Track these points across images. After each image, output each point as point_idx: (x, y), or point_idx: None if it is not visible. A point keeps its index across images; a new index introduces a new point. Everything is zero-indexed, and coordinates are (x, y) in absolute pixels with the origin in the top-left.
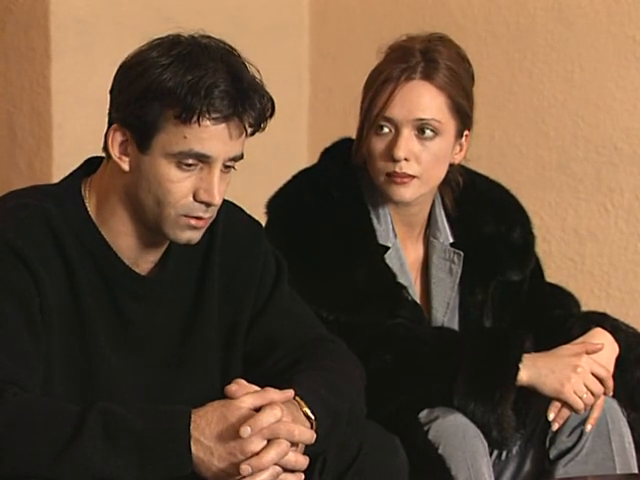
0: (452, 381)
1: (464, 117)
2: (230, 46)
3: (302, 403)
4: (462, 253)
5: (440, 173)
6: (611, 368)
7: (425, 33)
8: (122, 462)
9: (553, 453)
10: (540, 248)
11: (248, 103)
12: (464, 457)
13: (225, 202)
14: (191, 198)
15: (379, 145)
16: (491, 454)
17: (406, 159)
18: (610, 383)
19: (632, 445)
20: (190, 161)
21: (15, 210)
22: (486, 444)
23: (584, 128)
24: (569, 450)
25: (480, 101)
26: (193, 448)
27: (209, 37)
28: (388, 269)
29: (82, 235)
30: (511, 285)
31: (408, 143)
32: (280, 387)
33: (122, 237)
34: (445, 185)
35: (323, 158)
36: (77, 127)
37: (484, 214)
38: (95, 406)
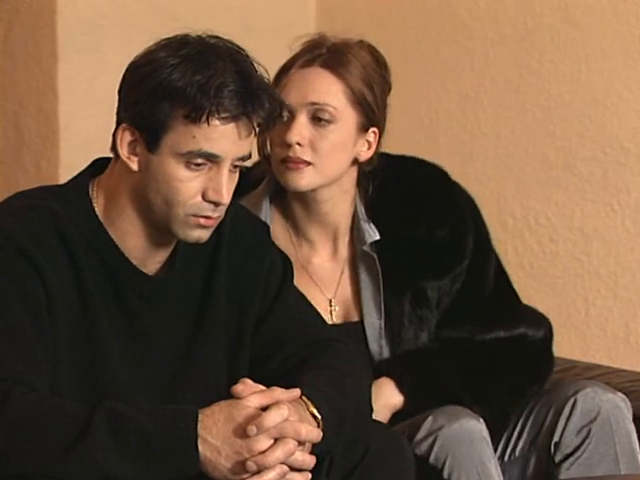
0: None
1: (367, 111)
2: (238, 46)
3: (309, 402)
4: (375, 255)
5: (339, 165)
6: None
7: (346, 37)
8: (129, 461)
9: (558, 457)
10: (547, 248)
11: (257, 103)
12: (473, 464)
13: (232, 203)
14: (200, 198)
15: (276, 132)
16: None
17: (300, 144)
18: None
19: (637, 444)
20: (199, 161)
21: (22, 211)
22: (491, 445)
23: (591, 128)
24: (573, 452)
25: (487, 101)
26: (200, 447)
27: (217, 37)
28: None
29: (89, 235)
30: (424, 289)
31: (302, 128)
32: (287, 387)
33: (130, 237)
34: (361, 185)
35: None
36: (84, 128)
37: (404, 213)
38: (102, 406)
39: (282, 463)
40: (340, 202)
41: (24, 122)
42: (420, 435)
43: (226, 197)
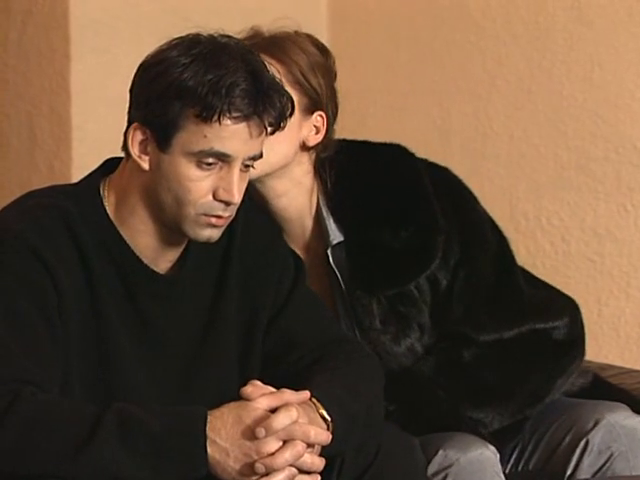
0: None
1: (311, 95)
2: None
3: (318, 404)
4: (343, 257)
5: (284, 150)
6: None
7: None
8: (138, 463)
9: None
10: (559, 248)
11: (268, 102)
12: None
13: (244, 202)
14: (211, 197)
15: None
16: (507, 463)
17: None
18: None
19: None
20: (210, 160)
21: (34, 210)
22: (502, 475)
23: (603, 128)
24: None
25: (499, 101)
26: (209, 449)
27: (229, 36)
28: None
29: (101, 234)
30: (399, 295)
31: None
32: (297, 388)
33: (141, 236)
34: (319, 175)
35: None
36: (96, 128)
37: (366, 212)
38: (111, 406)
39: (291, 465)
40: (296, 196)
41: (37, 122)
42: (431, 470)
43: (237, 196)
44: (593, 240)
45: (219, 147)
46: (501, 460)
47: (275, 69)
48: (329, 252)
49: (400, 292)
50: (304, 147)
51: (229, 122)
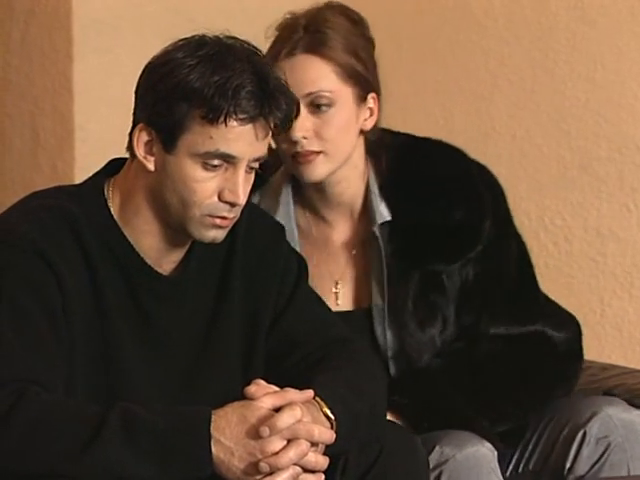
0: None
1: (362, 82)
2: (255, 47)
3: (322, 403)
4: (380, 236)
5: (348, 144)
6: None
7: (315, 5)
8: (142, 462)
9: (570, 479)
10: (562, 248)
11: (274, 104)
12: None
13: (247, 203)
14: (216, 198)
15: None
16: (508, 465)
17: (305, 137)
18: None
19: None
20: (216, 162)
21: (38, 211)
22: (499, 473)
23: (606, 128)
24: (585, 475)
25: (501, 101)
26: (213, 449)
27: (234, 38)
28: None
29: (105, 235)
30: (441, 276)
31: (304, 121)
32: (300, 387)
33: (145, 237)
34: (372, 158)
35: None
36: (99, 128)
37: (419, 194)
38: (116, 406)
39: (295, 464)
40: (353, 180)
41: (40, 122)
42: None
43: (242, 198)
44: (596, 240)
45: (225, 148)
46: (501, 462)
47: (325, 71)
48: (376, 229)
49: (434, 277)
50: (360, 132)
51: (235, 124)
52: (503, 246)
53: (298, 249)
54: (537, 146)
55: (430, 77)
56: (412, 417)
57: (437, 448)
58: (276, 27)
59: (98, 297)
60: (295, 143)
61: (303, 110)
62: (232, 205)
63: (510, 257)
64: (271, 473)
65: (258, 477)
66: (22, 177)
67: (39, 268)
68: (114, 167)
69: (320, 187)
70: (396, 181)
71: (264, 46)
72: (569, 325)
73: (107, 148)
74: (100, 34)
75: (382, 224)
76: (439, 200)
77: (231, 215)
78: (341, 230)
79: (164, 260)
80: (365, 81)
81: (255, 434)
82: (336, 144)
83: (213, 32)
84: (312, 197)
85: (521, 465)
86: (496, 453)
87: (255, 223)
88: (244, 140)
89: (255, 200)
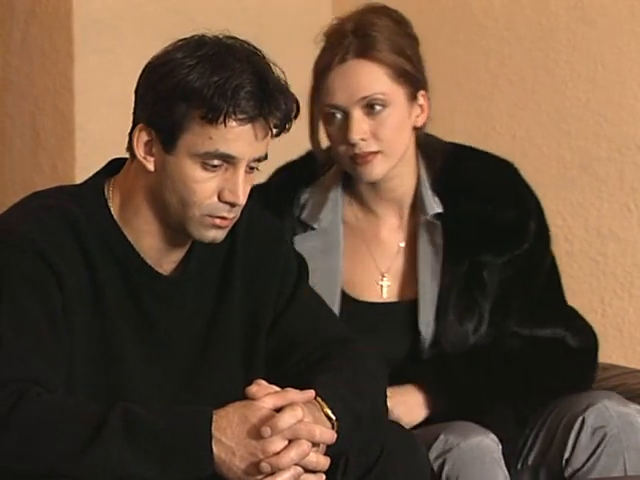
0: None
1: (412, 81)
2: (255, 47)
3: (323, 403)
4: (439, 224)
5: (404, 141)
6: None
7: (358, 9)
8: (143, 462)
9: (568, 472)
10: (562, 248)
11: (274, 104)
12: None
13: (247, 203)
14: (215, 198)
15: (335, 131)
16: (507, 466)
17: (363, 139)
18: None
19: None
20: (215, 162)
21: (38, 211)
22: (503, 464)
23: (607, 128)
24: (582, 467)
25: (502, 101)
26: (215, 449)
27: (234, 38)
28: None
29: (105, 235)
30: (481, 266)
31: (360, 124)
32: (301, 387)
33: (145, 237)
34: (424, 155)
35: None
36: (100, 128)
37: (471, 192)
38: (117, 406)
39: (296, 464)
40: (406, 175)
41: (40, 122)
42: (431, 455)
43: (242, 198)
44: (596, 240)
45: (224, 149)
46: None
47: (377, 74)
48: (427, 219)
49: (478, 272)
50: (412, 128)
51: (234, 124)
52: (542, 251)
53: (341, 243)
54: (537, 146)
55: (430, 77)
56: (434, 396)
57: (442, 437)
58: (324, 33)
59: (98, 297)
60: (353, 145)
61: (358, 113)
62: (232, 205)
63: (545, 263)
64: (272, 473)
65: (259, 477)
66: (22, 177)
67: (39, 268)
68: (114, 167)
69: (374, 183)
70: (448, 179)
71: (264, 46)
72: (588, 336)
73: (107, 148)
74: (100, 34)
75: (433, 216)
76: (490, 199)
77: (231, 215)
78: (390, 223)
79: (164, 260)
80: (415, 79)
81: (256, 434)
82: (392, 143)
83: (213, 32)
84: (363, 193)
85: (519, 462)
86: (500, 446)
87: (255, 223)
88: (244, 140)
89: (305, 196)
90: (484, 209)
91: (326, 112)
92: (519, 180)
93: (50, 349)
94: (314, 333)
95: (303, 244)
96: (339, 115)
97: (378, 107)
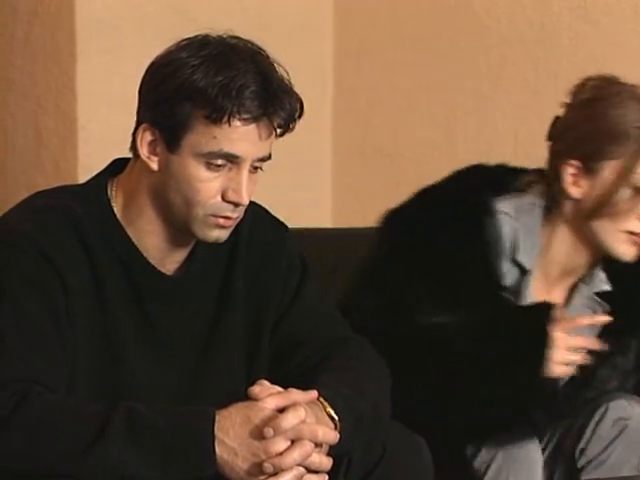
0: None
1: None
2: (259, 46)
3: (326, 404)
4: (606, 306)
5: None
6: None
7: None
8: (146, 462)
9: (582, 462)
10: None
11: (278, 104)
12: None
13: (251, 203)
14: (219, 198)
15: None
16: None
17: None
18: None
19: None
20: (219, 161)
21: (41, 210)
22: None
23: None
24: (597, 457)
25: (504, 101)
26: (217, 449)
27: (238, 38)
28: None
29: (108, 235)
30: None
31: None
32: (304, 387)
33: (149, 237)
34: None
35: (451, 183)
36: (102, 127)
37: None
38: (119, 406)
39: (299, 465)
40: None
41: (43, 122)
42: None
43: (246, 198)
44: None
45: (228, 148)
46: None
47: None
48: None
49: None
50: None
51: (239, 124)
52: None
53: (534, 261)
54: (540, 147)
55: (433, 77)
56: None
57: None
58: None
59: (101, 297)
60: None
61: None
62: (236, 205)
63: None
64: (275, 474)
65: (262, 478)
66: (25, 176)
67: (41, 268)
68: (117, 167)
69: (585, 235)
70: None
71: (265, 46)
72: None
73: (110, 148)
74: (103, 34)
75: (598, 293)
76: None
77: (234, 215)
78: (550, 287)
79: (167, 260)
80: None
81: (259, 435)
82: None
83: (216, 32)
84: (567, 239)
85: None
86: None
87: (259, 223)
88: (248, 140)
89: (506, 206)
90: None
91: None
92: None
93: (52, 349)
94: (317, 333)
95: None
96: None
97: None
